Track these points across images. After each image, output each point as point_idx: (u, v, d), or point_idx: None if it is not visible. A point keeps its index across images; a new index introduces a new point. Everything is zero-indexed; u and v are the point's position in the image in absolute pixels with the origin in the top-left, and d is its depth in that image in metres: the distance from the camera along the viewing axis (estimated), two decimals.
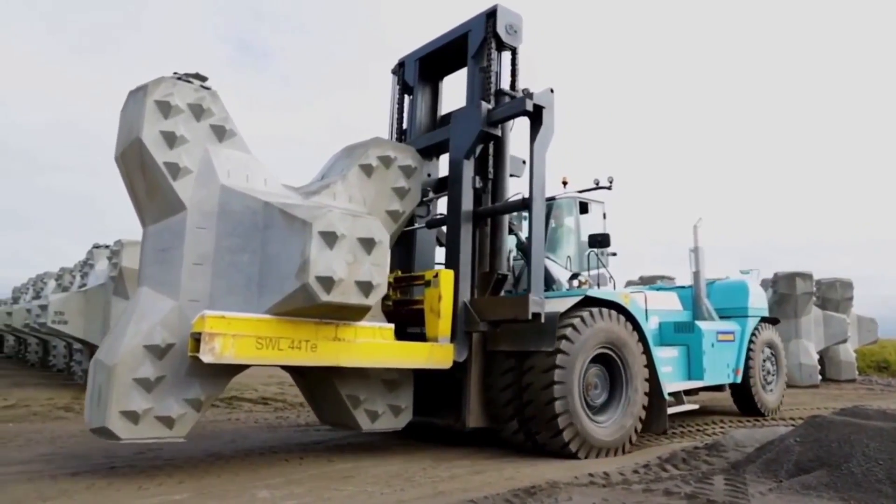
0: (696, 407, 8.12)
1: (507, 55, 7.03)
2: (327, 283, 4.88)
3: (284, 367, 6.37)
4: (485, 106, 6.46)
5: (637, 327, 6.92)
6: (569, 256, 8.15)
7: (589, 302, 6.51)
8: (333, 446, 6.81)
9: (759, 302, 9.97)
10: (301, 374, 6.34)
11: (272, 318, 5.07)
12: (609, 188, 8.85)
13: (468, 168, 6.54)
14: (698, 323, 8.80)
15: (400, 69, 8.07)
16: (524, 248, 7.34)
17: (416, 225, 7.20)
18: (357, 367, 5.73)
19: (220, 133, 5.55)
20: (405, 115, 7.90)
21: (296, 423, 8.54)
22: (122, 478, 5.03)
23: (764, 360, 9.81)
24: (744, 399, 9.54)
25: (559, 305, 6.28)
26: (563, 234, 8.36)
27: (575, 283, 7.21)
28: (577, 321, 6.22)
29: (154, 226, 5.42)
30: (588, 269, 7.96)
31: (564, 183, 8.71)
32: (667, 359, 8.35)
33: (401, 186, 6.56)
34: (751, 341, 9.53)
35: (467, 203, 6.46)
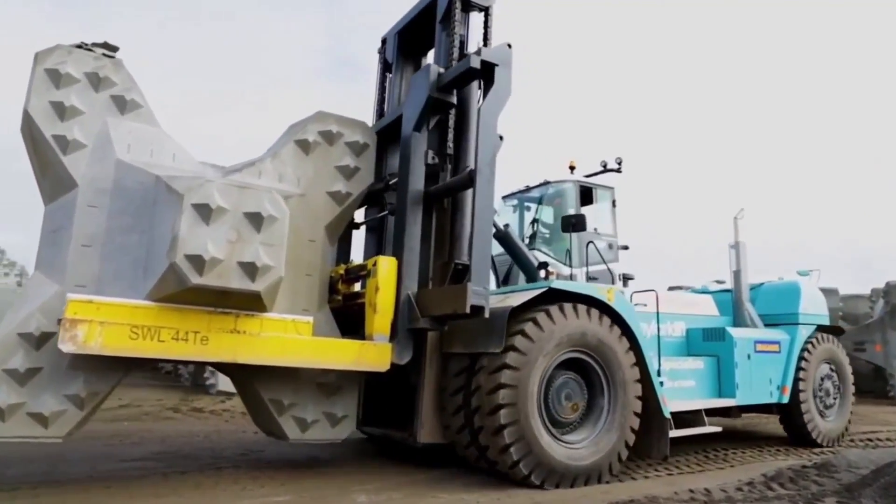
0: (716, 430, 6.71)
1: (479, 17, 6.15)
2: (198, 262, 4.20)
3: (214, 365, 5.76)
4: (434, 69, 5.61)
5: (628, 330, 5.73)
6: (568, 250, 7.03)
7: (560, 297, 5.44)
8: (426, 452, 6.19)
9: (814, 307, 8.31)
10: (230, 375, 5.70)
11: (154, 306, 4.45)
12: (618, 171, 7.69)
13: (418, 142, 5.69)
14: (730, 330, 7.38)
15: (382, 46, 7.39)
16: (501, 237, 6.36)
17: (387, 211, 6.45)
18: (280, 368, 5.03)
19: (122, 104, 5.04)
20: (386, 94, 7.20)
21: None
22: (227, 478, 5.21)
23: (821, 379, 8.13)
24: (793, 424, 7.91)
25: (518, 299, 5.26)
26: (555, 224, 7.26)
27: (542, 274, 6.11)
28: (538, 317, 5.17)
29: (50, 205, 4.97)
30: (586, 265, 6.82)
31: (572, 168, 7.64)
32: (688, 371, 7.04)
33: (346, 165, 5.81)
34: (803, 354, 7.91)
35: (416, 182, 5.61)
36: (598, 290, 5.61)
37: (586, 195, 7.28)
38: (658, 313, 6.92)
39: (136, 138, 5.04)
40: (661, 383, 6.60)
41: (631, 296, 7.13)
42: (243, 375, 5.27)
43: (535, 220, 7.19)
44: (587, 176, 7.72)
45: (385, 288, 5.32)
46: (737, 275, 8.33)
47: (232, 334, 4.68)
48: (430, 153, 5.76)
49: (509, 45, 5.41)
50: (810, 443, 7.81)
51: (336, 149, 5.82)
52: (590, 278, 6.87)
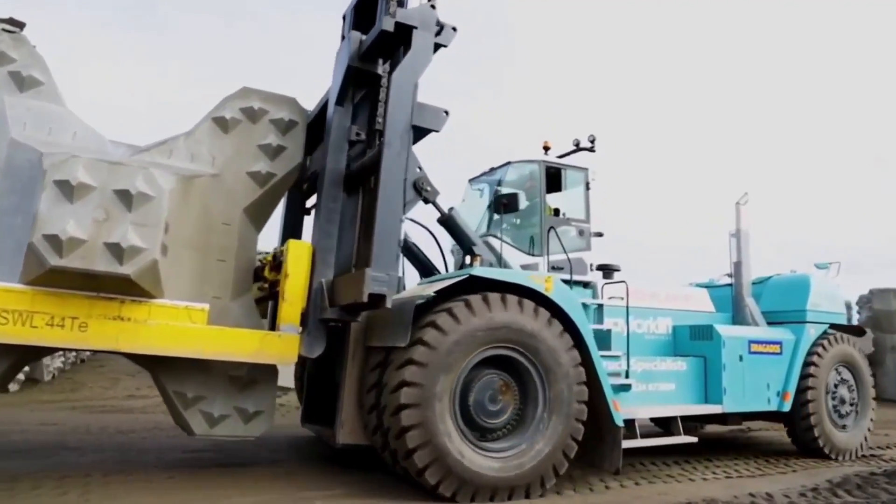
0: (690, 440, 5.93)
1: None
2: (56, 243, 3.91)
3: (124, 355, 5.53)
4: (355, 37, 5.16)
5: (571, 325, 5.10)
6: (532, 237, 6.41)
7: (489, 286, 4.86)
8: None
9: (825, 303, 7.31)
10: (141, 365, 5.43)
11: (28, 290, 4.19)
12: (591, 150, 6.99)
13: (340, 116, 5.26)
14: (719, 328, 6.55)
15: (343, 24, 6.98)
16: (444, 222, 5.82)
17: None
18: (185, 358, 4.70)
19: (20, 81, 4.84)
20: None
21: None
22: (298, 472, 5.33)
23: (835, 385, 7.15)
24: (800, 435, 6.98)
25: (434, 288, 4.74)
26: (523, 209, 6.61)
27: (467, 260, 5.50)
28: (455, 307, 4.62)
29: None
30: (546, 253, 6.19)
31: (546, 149, 7.00)
32: (667, 373, 6.30)
33: (269, 143, 5.43)
34: (811, 357, 6.97)
35: (335, 160, 5.17)
36: (530, 279, 4.98)
37: (554, 177, 6.62)
38: (627, 307, 6.19)
39: (35, 116, 4.82)
40: (628, 387, 5.92)
41: (602, 288, 6.44)
42: (149, 366, 4.98)
43: (491, 203, 6.58)
44: (560, 156, 7.05)
45: (294, 275, 4.91)
46: (737, 266, 7.45)
47: (115, 321, 4.38)
48: (355, 129, 5.31)
49: (433, 6, 4.88)
50: (820, 454, 6.87)
51: (259, 126, 5.45)
52: (554, 268, 6.23)
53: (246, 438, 5.14)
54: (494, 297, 4.72)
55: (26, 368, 10.81)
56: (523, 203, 6.82)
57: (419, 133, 5.87)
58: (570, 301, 5.12)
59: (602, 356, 5.98)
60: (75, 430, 7.21)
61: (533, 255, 6.27)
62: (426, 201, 5.77)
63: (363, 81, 5.33)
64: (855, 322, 15.63)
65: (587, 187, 6.70)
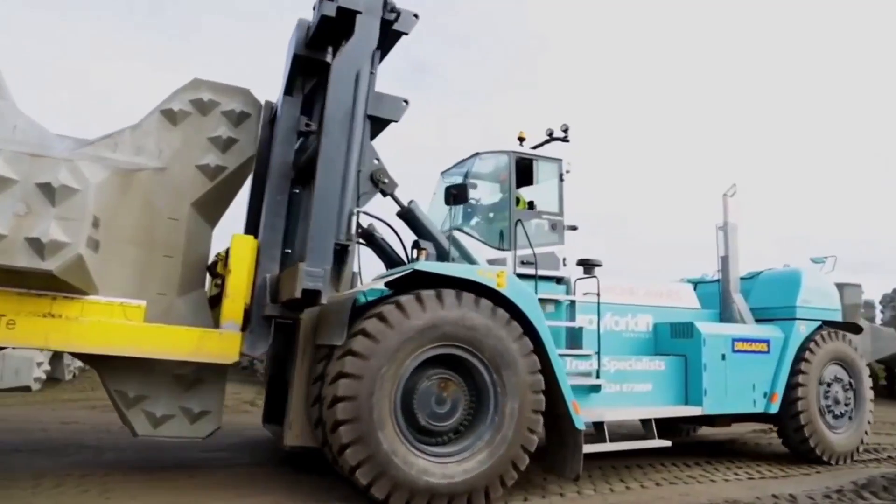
0: (663, 444, 5.61)
1: None
2: None
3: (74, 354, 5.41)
4: (302, 24, 4.97)
5: (527, 323, 4.83)
6: (501, 231, 6.14)
7: (441, 282, 4.63)
8: None
9: (817, 299, 6.92)
10: (85, 362, 5.30)
11: None
12: (565, 139, 6.71)
13: (288, 107, 5.09)
14: (699, 325, 6.22)
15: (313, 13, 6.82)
16: (403, 215, 5.60)
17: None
18: (127, 357, 4.57)
19: None
20: None
21: None
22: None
23: (828, 384, 6.76)
24: (790, 438, 6.62)
25: (378, 283, 4.52)
26: (492, 202, 6.38)
27: (414, 254, 5.25)
28: (402, 300, 4.41)
29: None
30: (514, 247, 5.93)
31: (521, 140, 6.73)
32: (643, 373, 6.00)
33: (219, 136, 5.26)
34: (802, 355, 6.60)
35: (281, 152, 5.00)
36: (478, 274, 4.72)
37: (525, 168, 6.35)
38: (599, 304, 5.90)
39: None
40: (598, 387, 5.65)
41: (574, 283, 6.16)
42: (92, 364, 4.85)
43: None
44: (535, 147, 6.78)
45: (237, 270, 4.75)
46: (724, 261, 7.11)
47: (45, 318, 4.25)
48: (304, 120, 5.13)
49: None
50: (813, 458, 6.50)
51: (210, 119, 5.29)
52: (524, 263, 5.97)
53: (193, 439, 4.99)
54: (430, 293, 4.47)
55: (48, 367, 10.90)
56: (492, 195, 6.59)
57: (378, 124, 5.68)
58: (525, 297, 4.85)
59: (572, 355, 5.76)
60: (95, 428, 7.33)
61: (502, 249, 6.01)
62: (384, 194, 5.57)
63: (312, 70, 5.14)
64: (879, 322, 15.26)
65: (561, 179, 6.41)
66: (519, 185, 6.34)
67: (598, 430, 5.41)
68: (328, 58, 5.07)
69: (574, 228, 6.40)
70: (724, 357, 6.18)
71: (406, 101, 5.94)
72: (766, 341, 6.50)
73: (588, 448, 5.03)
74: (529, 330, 4.82)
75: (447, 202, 5.28)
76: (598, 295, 5.91)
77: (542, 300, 5.89)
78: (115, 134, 5.07)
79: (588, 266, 7.12)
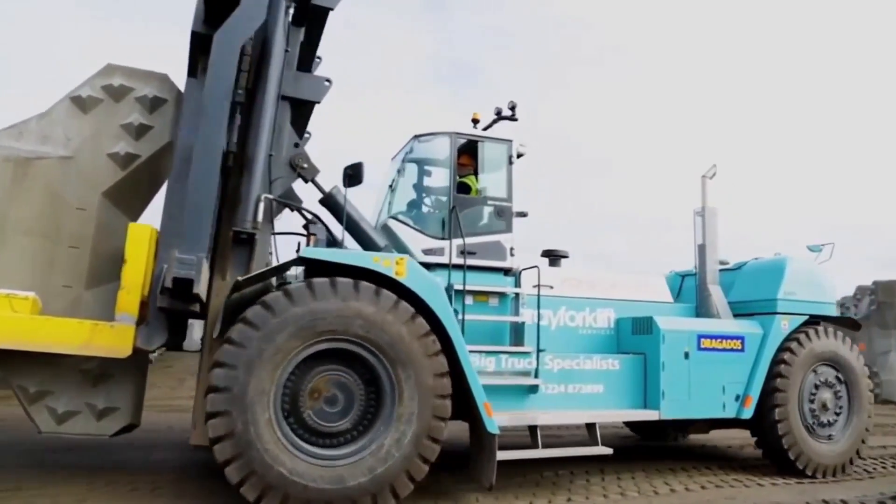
0: (602, 452, 5.08)
1: None
2: None
3: None
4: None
5: (433, 317, 4.43)
6: (443, 219, 5.73)
7: (336, 270, 4.29)
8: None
9: (804, 291, 6.20)
10: None
11: None
12: (512, 118, 6.24)
13: (190, 88, 4.84)
14: (659, 320, 5.65)
15: None
16: (325, 202, 5.28)
17: None
18: (18, 351, 4.43)
19: None
20: None
21: None
22: None
23: (815, 387, 6.06)
24: (769, 447, 5.97)
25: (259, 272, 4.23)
26: (432, 188, 5.96)
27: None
28: (292, 289, 4.11)
29: None
30: (450, 236, 5.51)
31: (475, 121, 6.31)
32: (593, 373, 5.50)
33: (131, 122, 5.06)
34: (782, 354, 5.93)
35: (182, 136, 4.74)
36: (374, 262, 4.34)
37: (469, 151, 5.92)
38: (539, 297, 5.43)
39: None
40: (536, 388, 5.20)
41: (518, 274, 5.70)
42: None
43: (393, 183, 5.95)
44: (486, 128, 6.33)
45: (132, 260, 4.52)
46: (701, 250, 6.48)
47: None
48: None
49: None
50: (794, 470, 5.83)
51: (123, 105, 5.09)
52: (464, 253, 5.56)
53: (99, 437, 4.82)
54: (322, 282, 4.14)
55: None
56: (434, 180, 6.16)
57: (300, 106, 5.39)
58: (430, 288, 4.44)
59: (507, 353, 5.32)
60: (143, 429, 7.32)
61: (441, 238, 5.60)
62: (305, 180, 5.27)
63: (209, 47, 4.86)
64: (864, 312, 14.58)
65: (510, 161, 5.94)
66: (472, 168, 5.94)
67: (531, 436, 4.97)
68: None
69: (524, 215, 5.92)
70: (687, 355, 5.61)
71: (329, 81, 5.64)
72: (740, 338, 5.87)
73: (510, 455, 4.60)
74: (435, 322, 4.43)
75: (344, 184, 4.93)
76: (539, 287, 5.43)
77: (483, 293, 5.54)
78: (20, 123, 4.94)
79: (554, 257, 6.66)
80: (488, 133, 6.08)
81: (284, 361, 4.03)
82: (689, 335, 5.66)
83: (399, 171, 5.83)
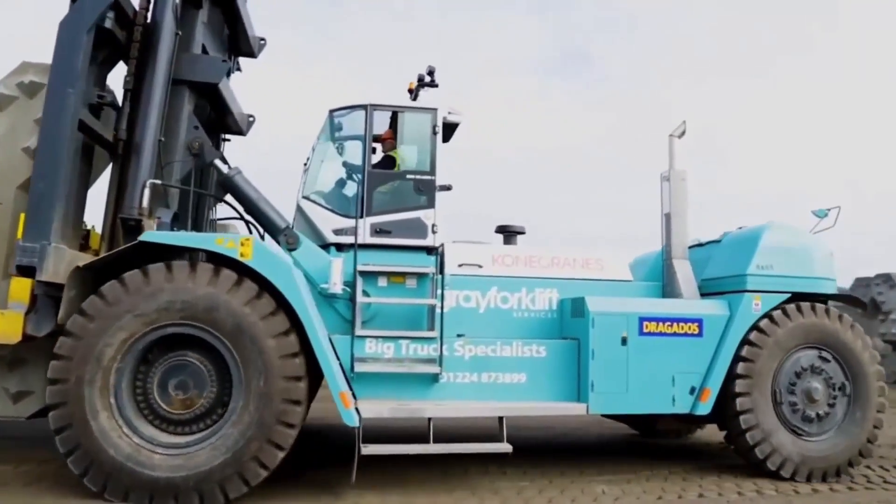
0: (500, 449, 4.53)
1: None
2: None
3: None
4: None
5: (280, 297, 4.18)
6: (362, 197, 5.40)
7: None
8: None
9: (784, 264, 5.18)
10: None
11: None
12: (432, 84, 5.74)
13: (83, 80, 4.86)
14: (590, 300, 4.98)
15: None
16: (223, 183, 5.15)
17: None
18: None
19: None
20: None
21: None
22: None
23: (796, 375, 5.07)
24: (738, 446, 5.09)
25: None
26: (348, 164, 5.60)
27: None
28: (127, 276, 4.05)
29: None
30: (360, 214, 5.18)
31: (410, 91, 5.91)
32: (513, 361, 5.00)
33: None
34: (750, 337, 5.01)
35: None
36: (217, 243, 4.12)
37: (390, 122, 5.51)
38: (443, 276, 4.96)
39: None
40: (437, 376, 4.78)
41: (441, 253, 5.27)
42: None
43: (307, 162, 5.65)
44: (415, 97, 5.84)
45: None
46: (668, 219, 5.64)
47: None
48: (97, 91, 4.86)
49: None
50: (767, 471, 4.95)
51: (37, 101, 5.23)
52: (379, 232, 5.23)
53: (16, 419, 5.04)
54: (158, 266, 4.02)
55: None
56: (352, 156, 5.78)
57: (197, 88, 5.28)
58: (277, 269, 4.15)
59: (410, 338, 4.94)
60: None
61: (353, 216, 5.27)
62: (202, 163, 5.18)
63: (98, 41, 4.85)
64: None
65: (433, 132, 5.46)
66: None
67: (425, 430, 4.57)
68: (106, 22, 4.73)
69: (447, 188, 5.45)
70: (624, 341, 4.90)
71: (225, 60, 5.49)
72: (698, 321, 5.04)
73: (374, 450, 4.25)
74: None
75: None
76: (442, 266, 5.00)
77: (398, 274, 5.18)
78: None
79: (508, 234, 6.13)
80: (409, 103, 5.64)
81: (123, 349, 3.96)
82: (626, 318, 4.94)
83: (313, 149, 5.56)
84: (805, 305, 5.12)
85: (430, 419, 4.56)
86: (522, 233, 6.13)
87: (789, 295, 5.16)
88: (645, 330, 4.95)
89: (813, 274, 5.26)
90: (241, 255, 4.10)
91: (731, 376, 4.96)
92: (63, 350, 3.92)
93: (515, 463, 5.24)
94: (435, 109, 5.52)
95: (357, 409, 4.25)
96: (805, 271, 5.24)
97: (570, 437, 7.16)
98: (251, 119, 6.46)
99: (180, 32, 5.07)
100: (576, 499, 4.46)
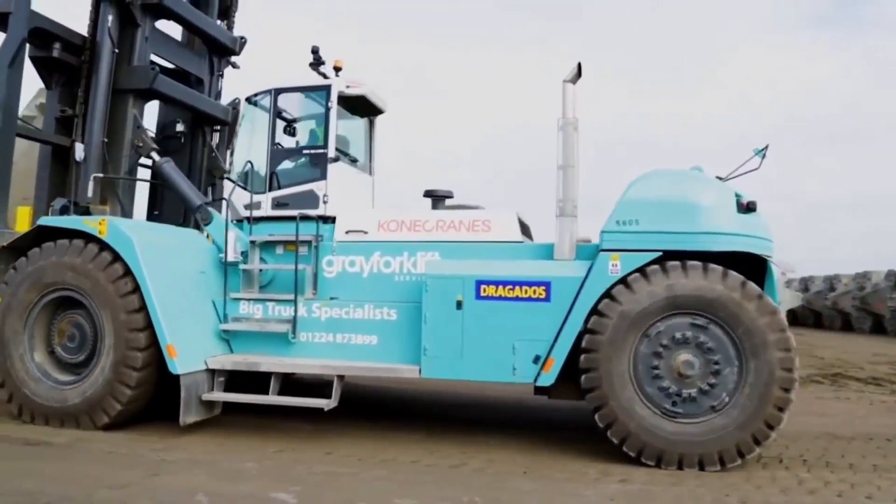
0: (320, 404, 4.66)
1: None
2: None
3: None
4: None
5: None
6: (275, 174, 5.92)
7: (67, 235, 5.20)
8: None
9: (653, 219, 4.33)
10: None
11: None
12: (318, 62, 5.91)
13: (50, 99, 6.24)
14: (429, 264, 4.85)
15: None
16: (155, 174, 6.14)
17: None
18: None
19: None
20: None
21: None
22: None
23: (662, 347, 4.23)
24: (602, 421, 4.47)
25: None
26: (260, 146, 6.07)
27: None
28: (30, 253, 5.23)
29: None
30: (267, 187, 5.73)
31: (337, 69, 6.24)
32: (367, 323, 5.20)
33: None
34: (601, 306, 4.33)
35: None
36: (85, 224, 5.06)
37: (294, 103, 5.89)
38: (297, 241, 5.26)
39: None
40: (285, 336, 5.15)
41: (332, 221, 5.60)
42: None
43: (230, 147, 6.21)
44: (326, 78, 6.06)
45: None
46: (563, 173, 5.07)
47: None
48: (60, 107, 6.17)
49: None
50: (628, 458, 4.30)
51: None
52: (280, 205, 5.75)
53: None
54: (49, 245, 5.09)
55: None
56: (241, 141, 6.22)
57: (141, 93, 6.32)
58: (122, 242, 4.92)
59: (274, 300, 5.40)
60: None
61: (255, 191, 5.84)
62: (141, 155, 6.22)
63: (54, 65, 6.11)
64: None
65: (328, 108, 5.70)
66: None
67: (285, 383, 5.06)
68: (54, 52, 5.97)
69: (336, 160, 5.67)
70: (459, 305, 4.67)
71: (154, 67, 6.39)
72: (545, 284, 4.53)
73: (224, 397, 4.96)
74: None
75: None
76: (298, 232, 5.28)
77: (290, 242, 5.65)
78: None
79: (437, 198, 6.18)
80: (304, 83, 5.95)
81: (30, 307, 5.16)
82: (461, 281, 4.68)
83: (236, 135, 6.22)
84: (673, 265, 4.26)
85: (275, 374, 5.01)
86: (450, 196, 6.06)
87: (659, 254, 4.34)
88: (482, 294, 4.65)
89: (693, 228, 4.31)
90: (100, 232, 5.01)
91: (580, 348, 4.41)
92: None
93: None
94: (328, 86, 5.77)
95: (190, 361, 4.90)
96: (682, 226, 4.32)
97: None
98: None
99: (118, 50, 6.12)
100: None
